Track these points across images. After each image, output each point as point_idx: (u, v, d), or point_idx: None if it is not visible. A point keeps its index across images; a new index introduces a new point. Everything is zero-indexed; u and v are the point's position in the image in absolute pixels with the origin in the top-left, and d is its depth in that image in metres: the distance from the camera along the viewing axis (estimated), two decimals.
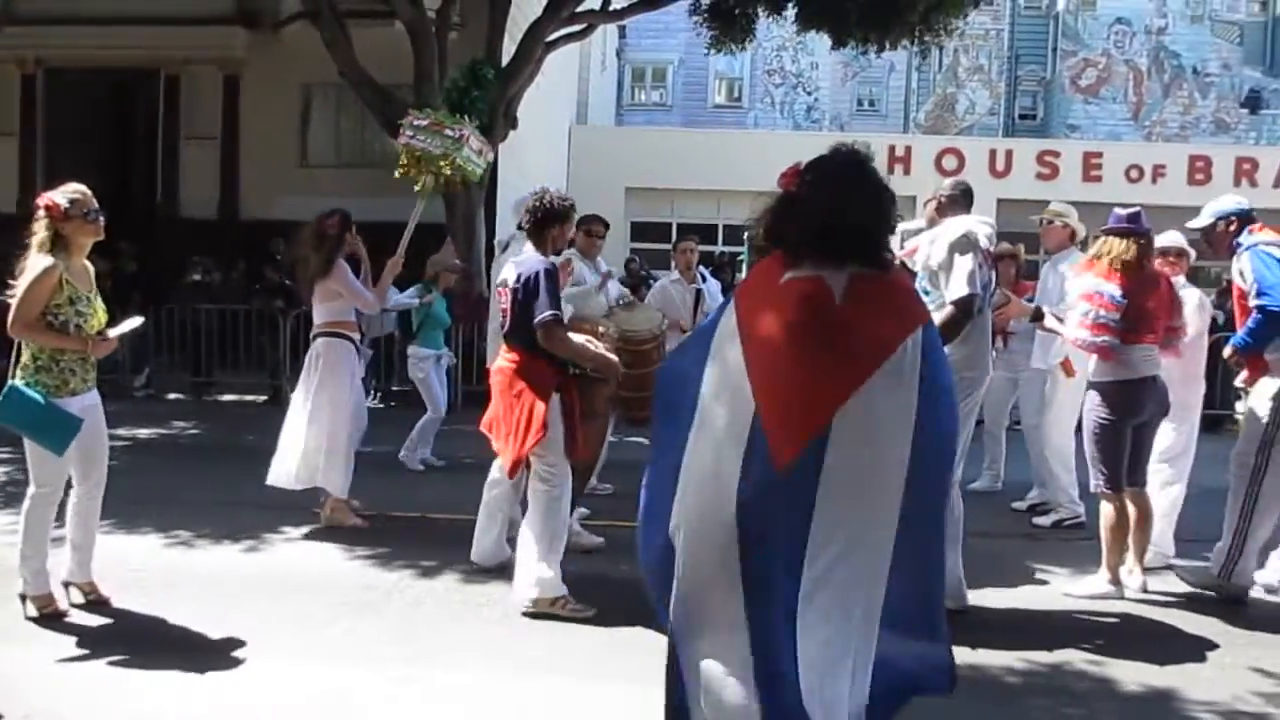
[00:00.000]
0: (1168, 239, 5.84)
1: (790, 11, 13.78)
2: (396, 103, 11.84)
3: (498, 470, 5.33)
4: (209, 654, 4.25)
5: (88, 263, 4.68)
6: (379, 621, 4.76)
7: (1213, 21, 27.88)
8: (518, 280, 4.96)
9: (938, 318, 4.13)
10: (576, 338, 5.11)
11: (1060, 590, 5.41)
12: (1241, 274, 5.19)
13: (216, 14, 16.03)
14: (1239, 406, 10.47)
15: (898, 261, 4.51)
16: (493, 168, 13.24)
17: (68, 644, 4.33)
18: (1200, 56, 27.82)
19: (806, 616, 2.68)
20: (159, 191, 16.72)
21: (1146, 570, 5.42)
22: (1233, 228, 5.31)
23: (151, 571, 5.34)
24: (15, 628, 4.48)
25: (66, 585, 4.74)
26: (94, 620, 4.63)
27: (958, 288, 4.71)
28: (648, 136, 23.74)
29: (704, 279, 8.22)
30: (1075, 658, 4.44)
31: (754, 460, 2.69)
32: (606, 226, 6.91)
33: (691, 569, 2.80)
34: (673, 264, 8.24)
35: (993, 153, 22.04)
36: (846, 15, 12.90)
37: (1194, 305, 5.82)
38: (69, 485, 4.68)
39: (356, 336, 6.52)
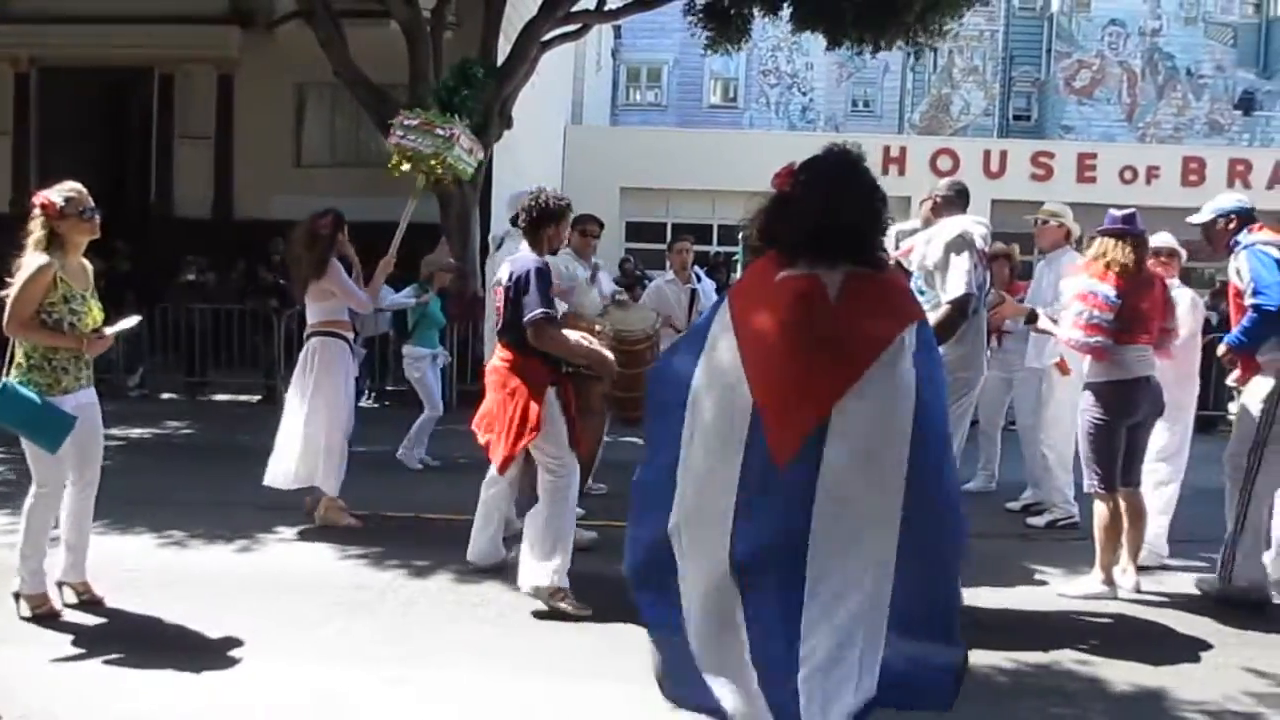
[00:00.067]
0: (1159, 240, 5.86)
1: (785, 12, 13.78)
2: (391, 102, 11.82)
3: (494, 470, 5.33)
4: (203, 654, 4.24)
5: (85, 261, 4.68)
6: (373, 621, 4.75)
7: (1206, 23, 27.96)
8: (510, 278, 4.98)
9: (933, 318, 4.13)
10: (571, 334, 5.12)
11: (1054, 590, 5.42)
12: (1238, 273, 5.20)
13: (211, 13, 16.00)
14: (1232, 407, 10.53)
15: (893, 261, 4.54)
16: (488, 167, 13.28)
17: (62, 644, 4.32)
18: (1194, 58, 27.90)
19: (810, 611, 2.68)
20: (153, 191, 16.68)
21: (1140, 570, 5.43)
22: (1232, 226, 5.31)
23: (145, 571, 5.33)
24: (9, 628, 4.47)
25: (60, 585, 4.73)
26: (88, 620, 4.62)
27: (954, 287, 4.72)
28: (643, 136, 23.77)
29: (699, 279, 8.23)
30: (1068, 658, 4.44)
31: (754, 456, 2.70)
32: (601, 226, 6.91)
33: (694, 568, 2.80)
34: (668, 264, 8.25)
35: (987, 153, 22.10)
36: (842, 15, 12.90)
37: (1187, 306, 5.83)
38: None
39: (350, 336, 6.52)
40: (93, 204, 4.57)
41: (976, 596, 5.06)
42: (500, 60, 13.18)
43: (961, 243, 4.80)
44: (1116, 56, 27.93)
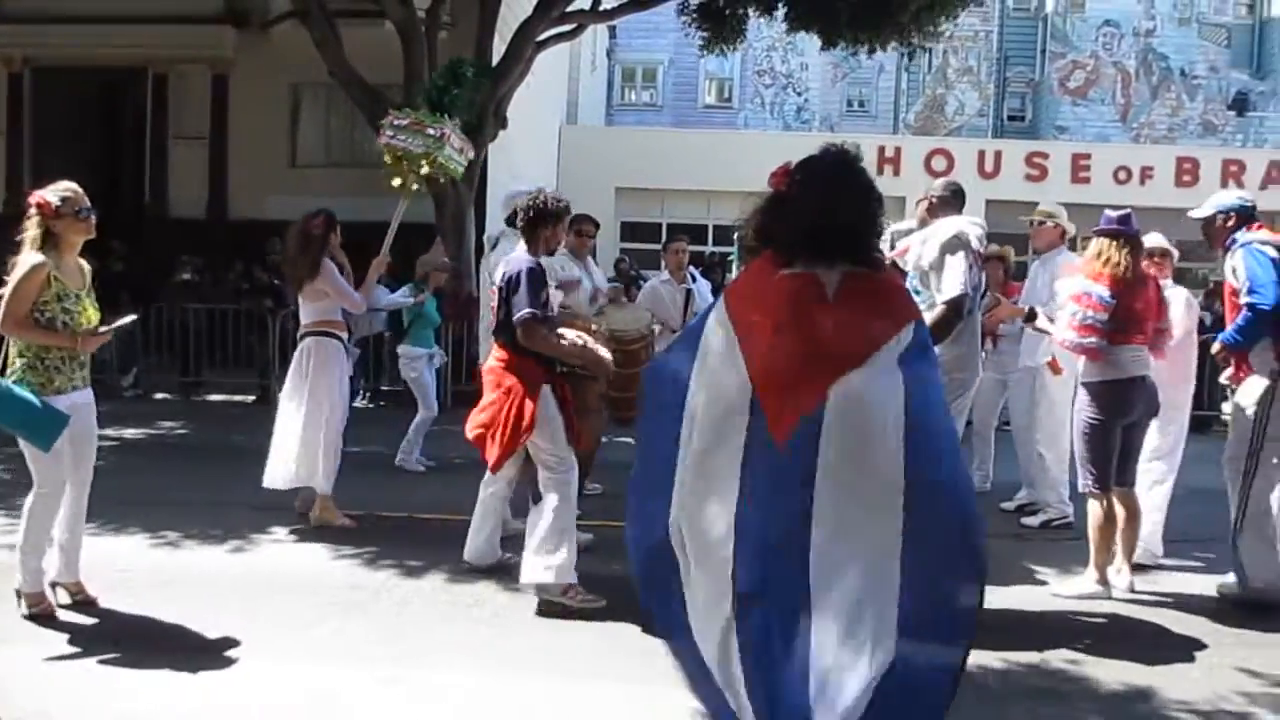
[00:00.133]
0: (1152, 240, 5.86)
1: (780, 12, 13.79)
2: (386, 102, 11.78)
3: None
4: (198, 654, 4.23)
5: (82, 262, 4.68)
6: (367, 621, 4.75)
7: (1200, 24, 28.04)
8: (503, 278, 5.01)
9: (928, 318, 4.14)
10: (569, 333, 5.12)
11: (1048, 590, 5.42)
12: (1234, 271, 5.20)
13: (205, 13, 15.97)
14: (1225, 407, 10.55)
15: (888, 262, 4.54)
16: (483, 168, 13.29)
17: (56, 644, 4.31)
18: (1188, 59, 27.98)
19: (815, 591, 2.66)
20: (147, 191, 16.65)
21: (1135, 569, 5.44)
22: (1230, 223, 5.31)
23: (139, 571, 5.31)
24: (2, 628, 4.45)
25: (53, 586, 4.71)
26: (82, 620, 4.61)
27: (949, 288, 4.73)
28: (638, 137, 23.77)
29: (694, 279, 8.23)
30: (1062, 658, 4.45)
31: (753, 440, 2.71)
32: (597, 226, 6.92)
33: (697, 561, 2.80)
34: (663, 264, 8.25)
35: (981, 154, 22.12)
36: (836, 16, 12.92)
37: (1181, 305, 5.84)
38: None
39: (345, 335, 6.52)
40: (89, 204, 4.57)
41: None
42: (495, 60, 13.17)
43: (957, 243, 4.80)
44: (1111, 57, 28.00)
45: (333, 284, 6.23)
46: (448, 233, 12.57)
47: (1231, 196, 5.48)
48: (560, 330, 5.23)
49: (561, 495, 4.93)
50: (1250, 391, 5.18)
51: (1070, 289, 5.36)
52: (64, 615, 4.63)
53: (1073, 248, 7.11)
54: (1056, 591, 5.37)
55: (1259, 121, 27.92)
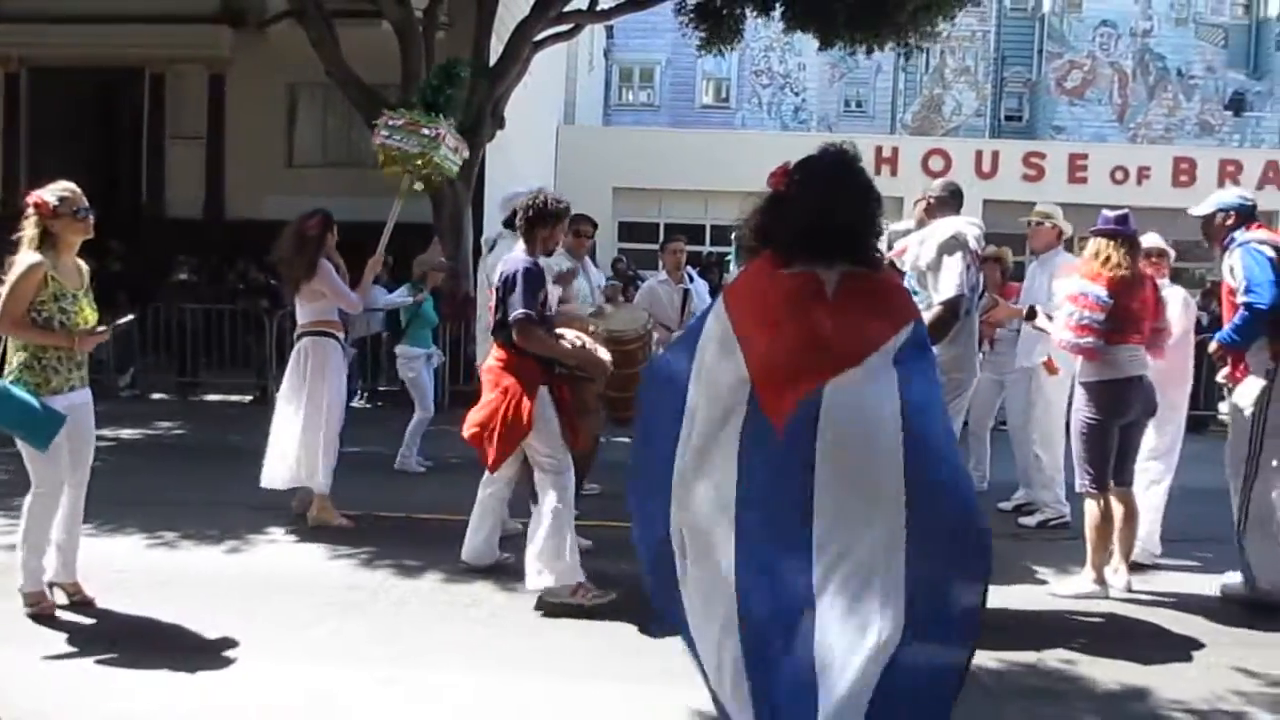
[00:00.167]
0: (1148, 240, 5.86)
1: (777, 11, 13.80)
2: (383, 102, 11.79)
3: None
4: (194, 654, 4.23)
5: (80, 262, 4.68)
6: (364, 622, 4.75)
7: (1197, 24, 28.07)
8: (500, 278, 5.01)
9: (925, 318, 4.14)
10: (568, 334, 5.13)
11: (1046, 590, 5.42)
12: (1231, 270, 5.21)
13: (202, 13, 15.98)
14: (1222, 406, 10.56)
15: (886, 261, 4.54)
16: (480, 168, 13.29)
17: (53, 645, 4.31)
18: (1185, 59, 28.01)
19: (819, 568, 2.65)
20: (144, 191, 16.64)
21: (1133, 569, 5.44)
22: (1230, 221, 5.31)
23: (136, 572, 5.31)
24: (0, 628, 4.47)
25: (50, 586, 4.71)
26: (79, 621, 4.60)
27: (946, 289, 4.73)
28: (635, 136, 23.76)
29: (692, 279, 8.23)
30: (1059, 657, 4.45)
31: (751, 425, 2.71)
32: (594, 226, 6.92)
33: (695, 561, 2.80)
34: (660, 264, 8.24)
35: (979, 154, 22.13)
36: (834, 16, 12.92)
37: (1179, 306, 5.85)
38: None
39: (342, 335, 6.52)
40: (87, 204, 4.58)
41: None
42: (492, 60, 13.18)
43: (955, 244, 4.80)
44: (1108, 57, 28.02)
45: (330, 284, 6.23)
46: (445, 233, 12.57)
47: (1232, 195, 5.48)
48: (560, 331, 5.23)
49: (559, 498, 4.92)
50: (1247, 392, 5.19)
51: (1067, 289, 5.36)
52: (61, 615, 4.63)
53: (1070, 248, 7.12)
54: (1054, 591, 5.38)
55: (1256, 121, 27.95)
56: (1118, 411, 5.24)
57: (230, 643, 4.36)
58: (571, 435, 5.04)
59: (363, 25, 13.53)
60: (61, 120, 16.15)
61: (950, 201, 5.22)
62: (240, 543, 5.96)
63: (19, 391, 4.39)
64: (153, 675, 4.02)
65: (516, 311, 4.87)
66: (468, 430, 5.06)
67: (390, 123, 6.44)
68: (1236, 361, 5.26)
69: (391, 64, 12.70)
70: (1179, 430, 5.94)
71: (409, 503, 7.04)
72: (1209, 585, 5.43)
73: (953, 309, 4.71)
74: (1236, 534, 5.21)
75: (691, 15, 14.29)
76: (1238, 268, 5.14)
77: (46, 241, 4.47)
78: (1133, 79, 28.02)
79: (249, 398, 12.07)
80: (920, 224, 5.30)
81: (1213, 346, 5.30)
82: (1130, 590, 5.33)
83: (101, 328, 4.65)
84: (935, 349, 3.52)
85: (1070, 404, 5.81)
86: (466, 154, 7.12)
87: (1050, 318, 5.66)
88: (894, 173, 20.60)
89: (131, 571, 5.30)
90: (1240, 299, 5.10)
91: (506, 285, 4.94)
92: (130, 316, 4.97)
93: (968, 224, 4.97)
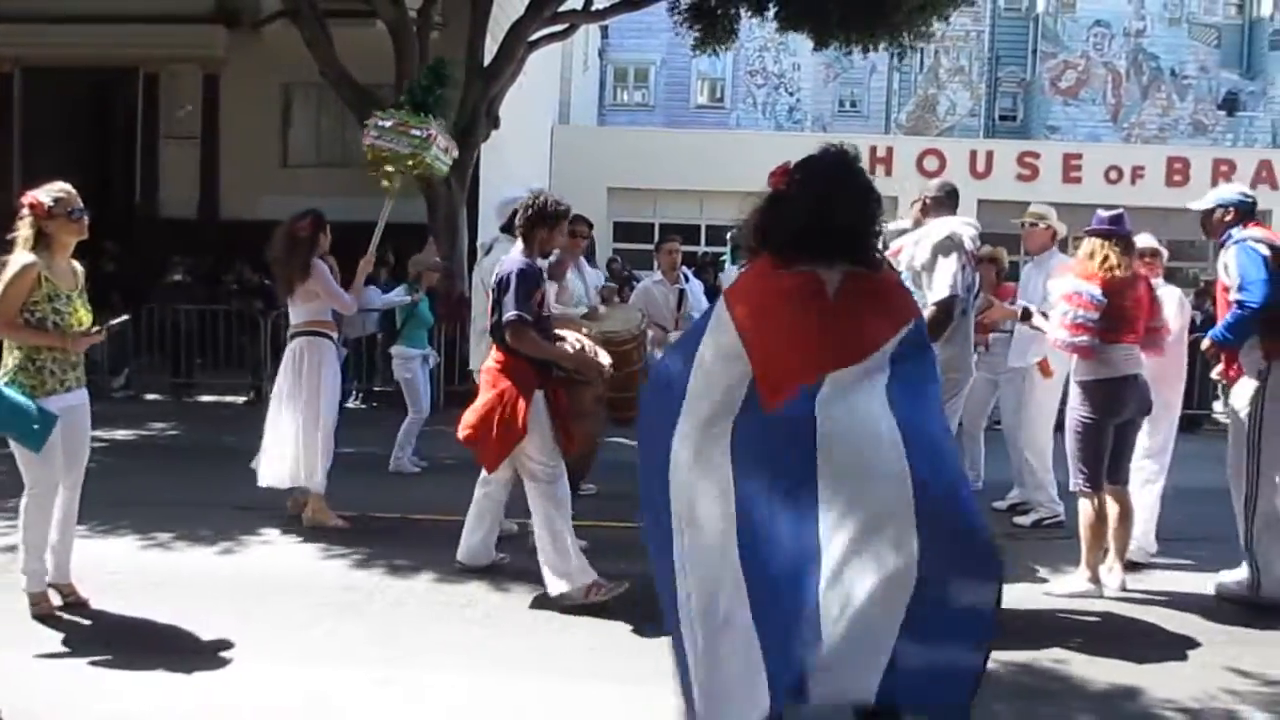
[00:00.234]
0: (1141, 240, 5.87)
1: (771, 11, 13.80)
2: (377, 102, 11.80)
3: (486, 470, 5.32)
4: (189, 655, 4.22)
5: (75, 263, 4.68)
6: (360, 622, 4.74)
7: (1190, 24, 28.13)
8: (495, 279, 5.01)
9: None
10: (569, 336, 5.13)
11: (1040, 589, 5.43)
12: (1226, 267, 5.22)
13: (196, 12, 15.92)
14: (1217, 406, 10.59)
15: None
16: (475, 168, 13.28)
17: (46, 645, 4.30)
18: (1178, 59, 28.07)
19: (826, 523, 2.60)
20: (138, 191, 16.60)
21: (1129, 568, 5.45)
22: (1229, 218, 5.31)
23: (130, 573, 5.30)
24: None
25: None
26: (72, 622, 4.59)
27: (939, 289, 4.74)
28: (630, 137, 23.76)
29: (687, 279, 8.23)
30: (1054, 656, 4.45)
31: (751, 422, 2.72)
32: (590, 226, 6.92)
33: (692, 548, 2.79)
34: (655, 264, 8.25)
35: (973, 154, 22.16)
36: (828, 16, 12.93)
37: (1174, 305, 5.86)
38: None
39: (335, 335, 6.52)
40: (81, 205, 4.58)
41: None
42: (487, 60, 13.16)
43: (950, 244, 4.81)
44: (1101, 57, 28.07)
45: (324, 285, 6.23)
46: (440, 233, 12.54)
47: (1233, 191, 5.48)
48: (561, 333, 5.23)
49: (553, 507, 4.94)
50: (1242, 393, 5.20)
51: (1062, 288, 5.37)
52: (55, 616, 4.61)
53: (1064, 249, 7.13)
54: (1049, 590, 5.38)
55: (1249, 121, 28.02)
56: (1113, 410, 5.25)
57: (225, 644, 4.35)
58: (565, 440, 5.03)
59: (357, 25, 13.49)
60: (55, 120, 16.09)
61: (946, 202, 5.23)
62: (235, 544, 5.96)
63: (11, 393, 4.38)
64: (147, 676, 4.01)
65: (509, 313, 4.87)
66: (463, 431, 5.06)
67: (379, 124, 6.44)
68: (1230, 360, 5.27)
69: (386, 64, 12.67)
70: (1172, 429, 5.95)
71: (404, 503, 7.04)
72: (1204, 584, 5.44)
73: (946, 309, 4.72)
74: (1245, 538, 5.19)
75: (685, 15, 14.28)
76: (1232, 265, 5.15)
77: (41, 242, 4.46)
78: (1126, 79, 28.07)
79: (243, 399, 12.06)
80: (916, 224, 5.31)
81: (1205, 343, 5.31)
82: (1125, 589, 5.34)
83: (95, 329, 4.64)
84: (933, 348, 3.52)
85: (1061, 405, 5.81)
86: (456, 154, 7.13)
87: (1045, 316, 5.67)
88: (889, 173, 20.61)
89: (126, 572, 5.30)
90: (1233, 297, 5.11)
91: (501, 286, 4.94)
92: (124, 317, 4.97)
93: (963, 224, 4.98)
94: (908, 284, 4.85)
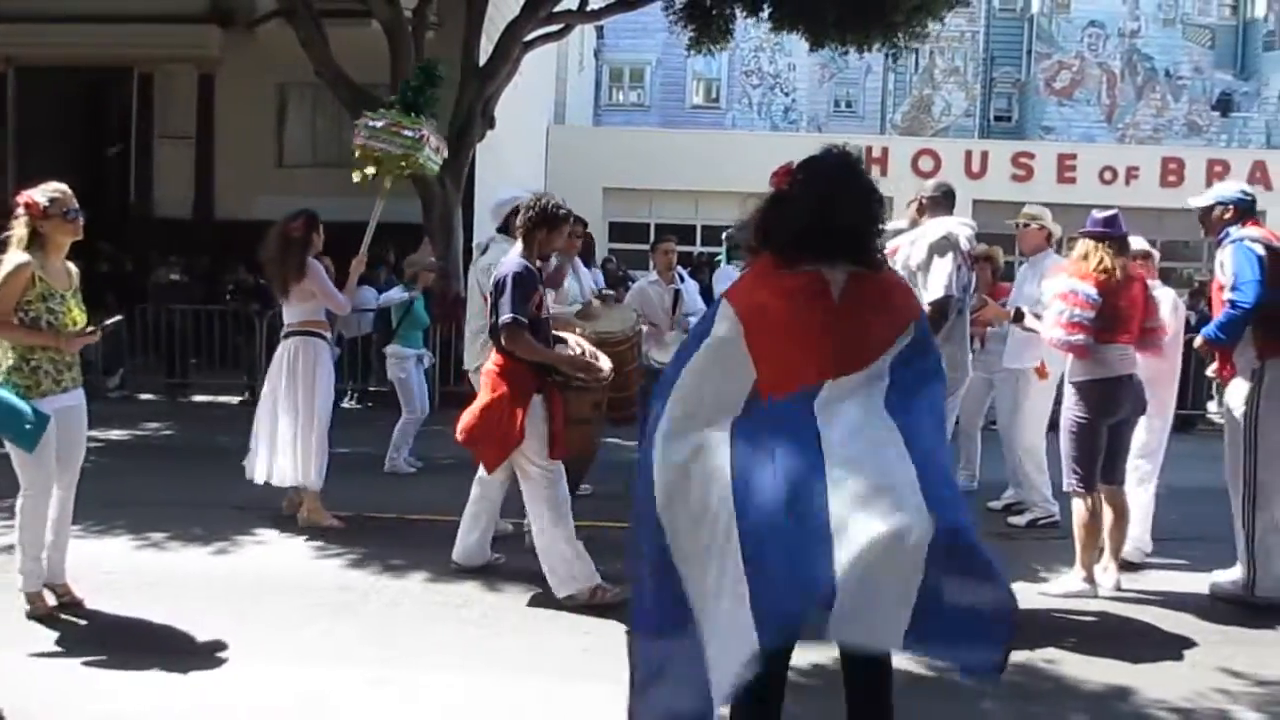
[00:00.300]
0: (1132, 243, 5.87)
1: (766, 11, 13.80)
2: (372, 102, 11.78)
3: (484, 470, 5.32)
4: (184, 655, 4.22)
5: (70, 264, 4.68)
6: (355, 622, 4.74)
7: (1184, 25, 28.19)
8: (492, 281, 5.01)
9: None
10: (570, 339, 5.14)
11: (1035, 589, 5.43)
12: (1222, 265, 5.22)
13: (191, 12, 15.92)
14: (1211, 406, 10.61)
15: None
16: (470, 167, 13.26)
17: (40, 645, 4.30)
18: (1172, 59, 28.12)
19: (833, 473, 2.55)
20: (133, 191, 16.57)
21: (1124, 568, 5.46)
22: (1228, 215, 5.30)
23: (125, 573, 5.29)
24: None
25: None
26: (67, 622, 4.58)
27: (935, 289, 4.75)
28: (625, 137, 23.78)
29: (682, 279, 8.23)
30: (1048, 657, 4.45)
31: (751, 417, 2.72)
32: (585, 226, 6.92)
33: (686, 528, 2.76)
34: (651, 264, 8.25)
35: (968, 154, 22.22)
36: (823, 16, 12.94)
37: (1169, 306, 5.86)
38: None
39: (329, 334, 6.52)
40: (77, 205, 4.57)
41: None
42: (482, 60, 13.16)
43: (945, 244, 4.82)
44: (1096, 58, 28.12)
45: (320, 285, 6.22)
46: (435, 233, 12.54)
47: (1233, 188, 5.48)
48: (563, 336, 5.23)
49: (552, 509, 4.94)
50: (1237, 393, 5.21)
51: (1057, 287, 5.37)
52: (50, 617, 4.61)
53: (1059, 249, 7.14)
54: (1044, 590, 5.38)
55: (1243, 122, 28.08)
56: (1107, 410, 5.25)
57: (220, 644, 4.34)
58: (553, 445, 5.00)
59: (352, 25, 13.49)
60: (49, 120, 16.07)
61: (943, 202, 5.24)
62: (229, 544, 5.95)
63: (3, 393, 4.37)
64: (142, 676, 4.01)
65: (505, 316, 4.87)
66: (462, 433, 5.05)
67: (371, 124, 6.44)
68: (1224, 358, 5.28)
69: (381, 64, 12.67)
70: (1166, 428, 5.96)
71: (400, 503, 7.03)
72: (1199, 583, 5.45)
73: (941, 309, 4.73)
74: (1246, 540, 5.19)
75: (681, 15, 14.28)
76: (1228, 263, 5.15)
77: (35, 242, 4.46)
78: (1121, 79, 28.12)
79: (238, 399, 12.03)
80: (913, 224, 5.32)
81: (1198, 342, 5.32)
82: (1120, 589, 5.34)
83: (90, 329, 4.64)
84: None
85: (1055, 406, 5.82)
86: (446, 153, 7.14)
87: (1039, 317, 5.67)
88: (884, 173, 20.65)
89: (121, 572, 5.29)
90: (1226, 295, 5.12)
91: (498, 289, 4.94)
92: (118, 317, 4.96)
93: (960, 224, 4.99)
94: None
